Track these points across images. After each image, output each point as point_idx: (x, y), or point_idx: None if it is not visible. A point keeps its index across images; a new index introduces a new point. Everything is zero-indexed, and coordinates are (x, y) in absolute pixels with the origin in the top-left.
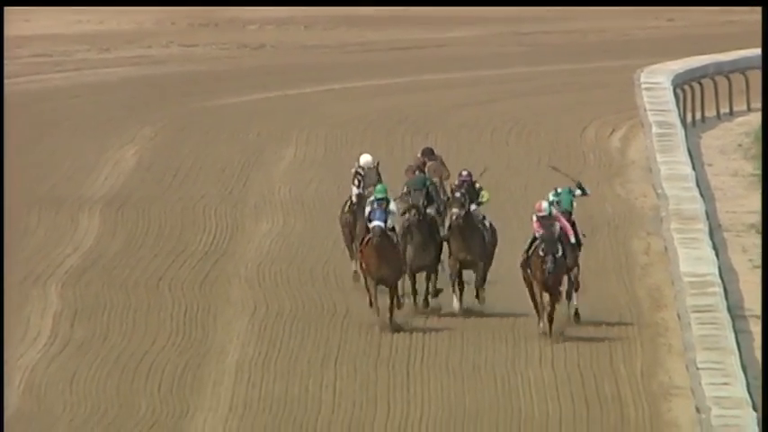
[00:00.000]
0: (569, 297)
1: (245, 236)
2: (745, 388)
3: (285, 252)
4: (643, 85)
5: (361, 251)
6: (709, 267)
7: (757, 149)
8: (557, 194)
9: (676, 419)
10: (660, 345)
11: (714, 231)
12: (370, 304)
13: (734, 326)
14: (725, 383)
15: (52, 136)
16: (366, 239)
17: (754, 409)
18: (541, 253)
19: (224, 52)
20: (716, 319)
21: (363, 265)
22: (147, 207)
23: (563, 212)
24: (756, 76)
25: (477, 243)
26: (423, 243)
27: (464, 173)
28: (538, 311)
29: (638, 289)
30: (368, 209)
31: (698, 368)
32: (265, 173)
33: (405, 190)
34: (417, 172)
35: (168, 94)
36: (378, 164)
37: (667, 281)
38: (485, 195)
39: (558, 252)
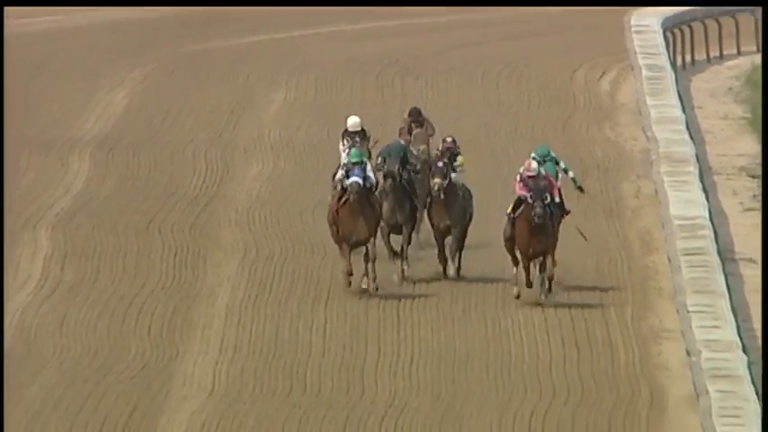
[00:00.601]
0: (543, 269)
1: (235, 179)
2: (735, 331)
3: (275, 195)
4: (633, 28)
5: (336, 211)
6: (700, 210)
7: (747, 93)
8: (543, 158)
9: (666, 362)
10: (650, 288)
11: (704, 174)
12: (348, 274)
13: (724, 269)
14: (715, 326)
15: (41, 79)
16: (342, 199)
17: (744, 351)
18: (530, 200)
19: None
20: (706, 263)
21: (337, 227)
22: (137, 150)
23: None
24: (746, 20)
25: (457, 210)
26: (397, 202)
27: (448, 139)
28: (527, 273)
29: (629, 232)
30: (341, 171)
31: (688, 311)
32: (255, 116)
33: (379, 160)
34: (404, 135)
35: (158, 37)
36: (365, 129)
37: (657, 224)
38: (460, 160)
39: (546, 200)
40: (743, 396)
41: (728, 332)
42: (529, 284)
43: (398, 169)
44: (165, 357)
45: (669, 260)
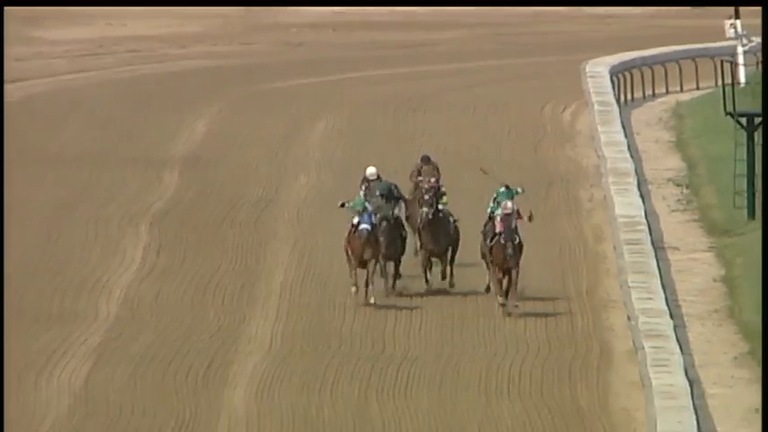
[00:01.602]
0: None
1: (287, 187)
2: (664, 302)
3: (318, 199)
4: (588, 74)
5: (349, 240)
6: (638, 211)
7: (673, 122)
8: (497, 198)
9: (612, 326)
10: (600, 269)
11: (641, 184)
12: (355, 287)
13: (656, 255)
14: (649, 298)
15: (145, 111)
16: (355, 233)
17: (671, 317)
18: (502, 241)
19: (272, 48)
20: (642, 250)
21: (350, 250)
22: (214, 165)
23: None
24: (673, 67)
25: (443, 236)
26: (391, 240)
27: (432, 180)
28: (499, 288)
29: (584, 227)
30: (356, 219)
31: (629, 287)
32: (302, 140)
33: (378, 193)
34: (414, 176)
35: (230, 80)
36: (380, 177)
37: (606, 221)
38: (444, 198)
39: (515, 240)
40: (670, 351)
41: (659, 303)
42: (501, 293)
43: (392, 213)
44: (235, 322)
45: (614, 248)
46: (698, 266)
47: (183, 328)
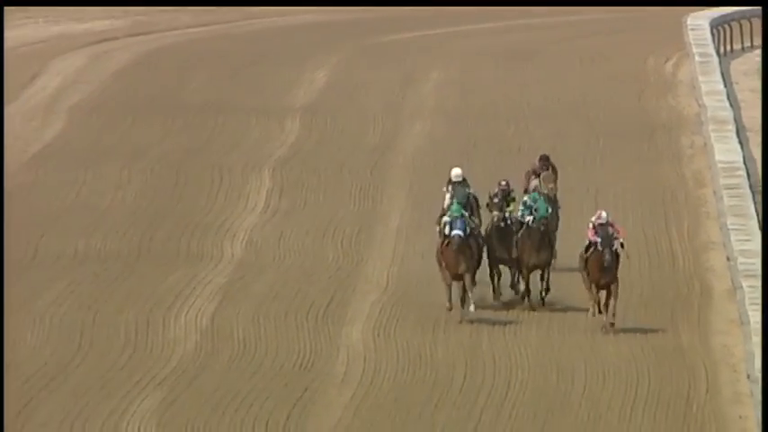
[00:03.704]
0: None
1: (402, 135)
2: (760, 243)
3: (432, 146)
4: (689, 26)
5: (441, 252)
6: (737, 157)
7: None
8: (531, 203)
9: (713, 266)
10: (701, 212)
11: (740, 131)
12: (450, 307)
13: (753, 198)
14: (747, 240)
15: (263, 64)
16: (447, 242)
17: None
18: (600, 248)
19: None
20: (741, 194)
21: (443, 263)
22: (334, 114)
23: (541, 219)
24: None
25: (513, 243)
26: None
27: (503, 183)
28: (593, 307)
29: (686, 172)
30: (446, 219)
31: (728, 229)
32: (417, 90)
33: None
34: (528, 176)
35: (348, 33)
36: (466, 179)
37: (706, 166)
38: (512, 206)
39: (613, 246)
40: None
41: (756, 244)
42: (598, 311)
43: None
44: (353, 263)
45: (714, 192)
46: None
47: (304, 268)
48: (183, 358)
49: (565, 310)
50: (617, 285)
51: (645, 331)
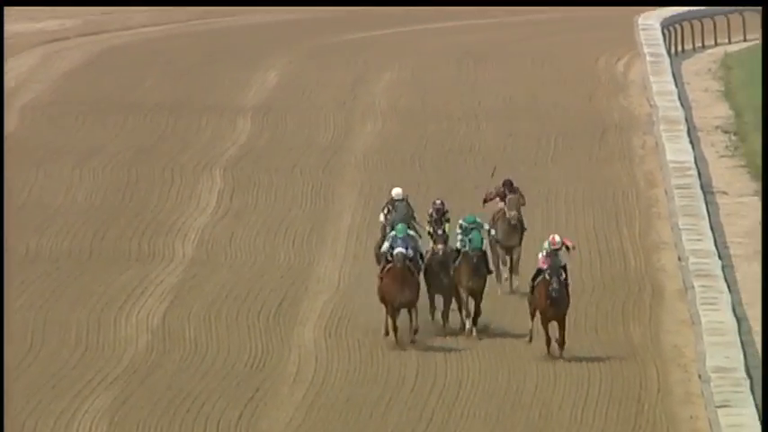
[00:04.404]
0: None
1: (354, 134)
2: (713, 243)
3: (384, 146)
4: (640, 26)
5: (381, 278)
6: (688, 157)
7: (722, 72)
8: (465, 233)
9: (664, 266)
10: (653, 212)
11: (691, 131)
12: (386, 332)
13: (705, 198)
14: (698, 240)
15: (218, 63)
16: (387, 268)
17: (719, 258)
18: (547, 277)
19: (340, 6)
20: (692, 194)
21: (382, 291)
22: (285, 114)
23: (474, 250)
24: (721, 20)
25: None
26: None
27: (437, 202)
28: (531, 334)
29: (637, 172)
30: (387, 243)
31: (679, 229)
32: (369, 90)
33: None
34: (489, 197)
35: (301, 32)
36: (407, 197)
37: (658, 167)
38: (447, 226)
39: (562, 275)
40: (718, 290)
41: (708, 244)
42: (547, 342)
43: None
44: (304, 262)
45: (666, 192)
46: (745, 210)
47: (256, 268)
48: (135, 358)
49: (516, 311)
50: (564, 321)
51: (596, 331)
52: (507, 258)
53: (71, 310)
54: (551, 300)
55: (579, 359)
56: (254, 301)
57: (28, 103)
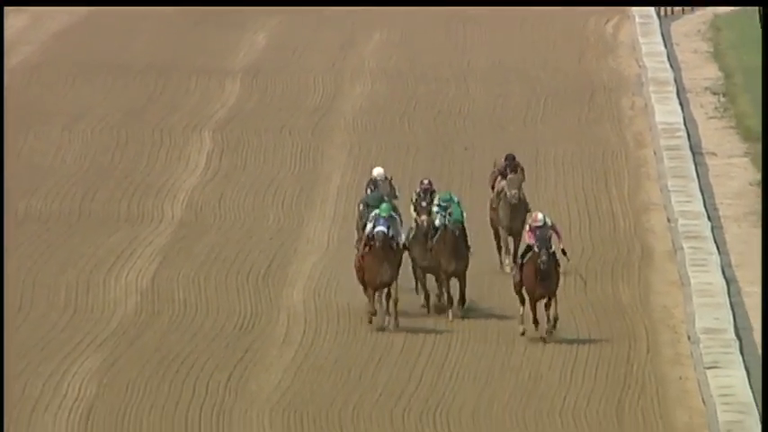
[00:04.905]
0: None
1: (344, 96)
2: (702, 205)
3: (373, 107)
4: None
5: (362, 257)
6: (677, 118)
7: (711, 34)
8: (443, 206)
9: (653, 227)
10: (642, 173)
11: (680, 92)
12: (370, 319)
13: (694, 159)
14: (688, 201)
15: (205, 25)
16: (368, 246)
17: (709, 219)
18: (536, 250)
19: None
20: (681, 156)
21: (364, 270)
22: (274, 75)
23: (455, 223)
24: None
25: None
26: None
27: (425, 182)
28: (523, 315)
29: (626, 133)
30: (370, 224)
31: (669, 190)
32: (358, 51)
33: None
34: (492, 178)
35: None
36: (391, 177)
37: (647, 127)
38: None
39: (550, 248)
40: (708, 251)
41: (697, 205)
42: (535, 322)
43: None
44: (293, 224)
45: (655, 153)
46: (734, 171)
47: (245, 229)
48: (124, 319)
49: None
50: (555, 300)
51: (585, 292)
52: (511, 240)
53: (60, 272)
54: (540, 275)
55: (568, 320)
56: (243, 262)
57: (17, 65)
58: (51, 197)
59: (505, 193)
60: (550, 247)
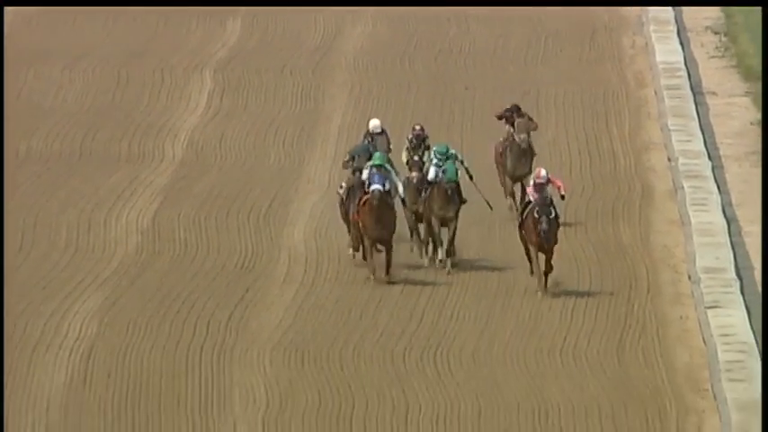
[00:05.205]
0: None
1: (344, 36)
2: (703, 144)
3: (374, 47)
4: None
5: (358, 212)
6: (678, 57)
7: None
8: (439, 163)
9: (654, 166)
10: (642, 113)
11: (681, 32)
12: (365, 259)
13: (695, 99)
14: (688, 140)
15: None
16: (364, 200)
17: (709, 158)
18: (536, 215)
19: None
20: (682, 95)
21: (360, 224)
22: (276, 15)
23: (449, 182)
24: None
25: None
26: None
27: (417, 128)
28: (532, 267)
29: (627, 73)
30: (365, 173)
31: (669, 129)
32: None
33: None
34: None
35: None
36: (385, 130)
37: (648, 67)
38: (426, 154)
39: (551, 214)
40: (708, 190)
41: (698, 144)
42: (531, 272)
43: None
44: (294, 163)
45: (655, 93)
46: (735, 110)
47: (246, 169)
48: (125, 259)
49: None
50: (552, 252)
51: (586, 230)
52: (517, 189)
53: (61, 212)
54: (541, 237)
55: (569, 259)
56: (244, 201)
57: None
58: (52, 137)
59: (513, 139)
60: (550, 213)
